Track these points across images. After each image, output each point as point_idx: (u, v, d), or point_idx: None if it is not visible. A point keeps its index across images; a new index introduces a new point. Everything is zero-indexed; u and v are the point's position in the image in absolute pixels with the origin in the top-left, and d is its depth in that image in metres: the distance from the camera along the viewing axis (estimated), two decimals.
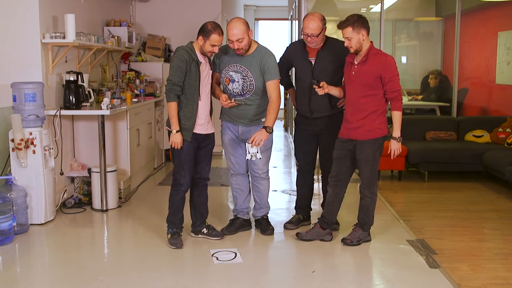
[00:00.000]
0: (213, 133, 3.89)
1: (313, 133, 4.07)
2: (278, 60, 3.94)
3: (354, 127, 3.72)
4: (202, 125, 3.75)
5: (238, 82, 3.82)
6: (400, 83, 3.68)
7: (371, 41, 3.68)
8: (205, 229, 3.97)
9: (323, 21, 3.85)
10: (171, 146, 3.73)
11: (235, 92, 3.86)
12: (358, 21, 3.59)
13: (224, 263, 3.52)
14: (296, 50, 4.06)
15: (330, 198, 3.93)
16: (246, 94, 3.85)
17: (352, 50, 3.65)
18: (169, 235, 3.83)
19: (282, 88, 4.24)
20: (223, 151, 4.16)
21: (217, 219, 4.40)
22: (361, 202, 3.88)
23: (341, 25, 3.64)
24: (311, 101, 3.99)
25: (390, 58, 3.69)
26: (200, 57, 3.67)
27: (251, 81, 3.80)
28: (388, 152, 3.76)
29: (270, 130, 3.75)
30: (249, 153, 3.73)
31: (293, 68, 4.20)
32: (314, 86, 3.80)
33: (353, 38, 3.59)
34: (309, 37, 3.84)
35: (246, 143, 3.76)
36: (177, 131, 3.63)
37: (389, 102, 3.73)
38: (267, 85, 3.80)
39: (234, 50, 3.75)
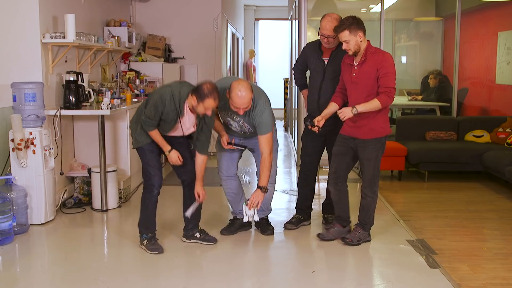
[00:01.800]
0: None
1: (321, 132, 4.05)
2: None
3: (358, 126, 3.72)
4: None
5: (236, 128, 3.85)
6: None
7: (367, 40, 3.68)
8: (198, 233, 3.88)
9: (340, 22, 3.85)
10: (137, 150, 3.70)
11: (234, 130, 3.88)
12: (354, 23, 3.58)
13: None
14: (311, 49, 4.09)
15: (335, 197, 3.92)
16: (247, 133, 3.87)
17: (350, 53, 3.64)
18: (145, 241, 3.71)
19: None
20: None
21: (217, 219, 4.41)
22: (362, 202, 3.87)
23: (338, 29, 3.63)
24: (320, 100, 4.00)
25: (387, 56, 3.67)
26: (186, 110, 3.51)
27: (248, 128, 3.82)
28: (338, 112, 3.65)
29: (265, 190, 3.73)
30: (246, 215, 3.69)
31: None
32: (309, 127, 3.83)
33: (351, 41, 3.58)
34: (326, 38, 3.86)
35: (243, 205, 3.71)
36: (169, 151, 3.61)
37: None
38: (258, 139, 3.73)
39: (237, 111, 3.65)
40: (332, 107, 3.85)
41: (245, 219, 3.74)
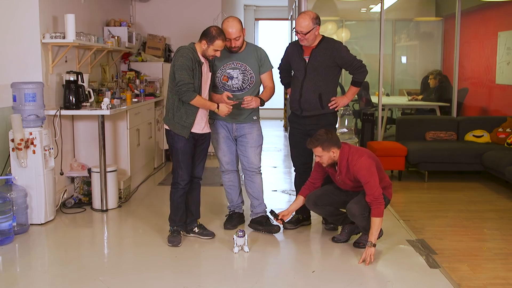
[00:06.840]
0: (209, 133, 3.92)
1: (304, 132, 4.05)
2: (279, 61, 4.07)
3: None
4: (199, 124, 3.77)
5: (237, 77, 3.94)
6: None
7: (342, 146, 3.64)
8: (196, 228, 3.99)
9: (315, 20, 3.85)
10: (169, 146, 3.79)
11: (234, 88, 3.96)
12: (327, 139, 3.58)
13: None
14: (293, 48, 4.11)
15: (324, 215, 3.99)
16: (246, 88, 3.97)
17: (324, 165, 3.66)
18: (169, 232, 3.87)
19: (283, 87, 4.26)
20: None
21: (216, 218, 4.41)
22: (363, 223, 3.68)
23: (310, 145, 3.64)
24: (302, 98, 4.00)
25: (361, 162, 3.54)
26: (201, 58, 3.71)
27: (250, 74, 3.95)
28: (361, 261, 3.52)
29: (262, 103, 3.95)
30: (236, 245, 3.67)
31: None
32: (275, 220, 3.93)
33: (323, 156, 3.59)
34: (298, 34, 3.89)
35: (234, 236, 3.68)
36: (218, 107, 3.70)
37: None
38: (263, 77, 4.02)
39: (230, 48, 3.87)
40: (298, 202, 3.92)
41: (235, 250, 3.67)
